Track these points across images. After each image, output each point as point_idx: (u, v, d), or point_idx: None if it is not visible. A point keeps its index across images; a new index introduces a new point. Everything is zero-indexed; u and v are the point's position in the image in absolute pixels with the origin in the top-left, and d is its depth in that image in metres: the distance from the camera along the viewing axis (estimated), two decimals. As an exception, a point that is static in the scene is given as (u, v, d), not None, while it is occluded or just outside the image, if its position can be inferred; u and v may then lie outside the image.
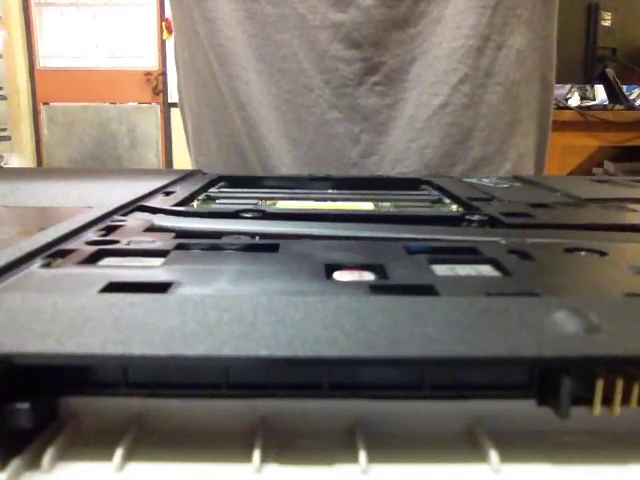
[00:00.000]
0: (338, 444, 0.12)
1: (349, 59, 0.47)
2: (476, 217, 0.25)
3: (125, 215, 0.25)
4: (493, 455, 0.12)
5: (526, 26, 0.49)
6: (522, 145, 0.51)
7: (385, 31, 0.47)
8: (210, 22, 0.49)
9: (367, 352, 0.11)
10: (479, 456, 0.12)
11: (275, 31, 0.47)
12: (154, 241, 0.20)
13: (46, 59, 2.96)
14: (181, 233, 0.22)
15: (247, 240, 0.21)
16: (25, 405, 0.11)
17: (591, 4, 1.30)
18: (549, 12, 0.50)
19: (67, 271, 0.17)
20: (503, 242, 0.21)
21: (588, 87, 1.44)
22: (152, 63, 2.97)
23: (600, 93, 1.45)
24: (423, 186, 0.38)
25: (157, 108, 3.05)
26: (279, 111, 0.49)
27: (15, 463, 0.11)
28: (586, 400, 0.12)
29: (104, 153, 3.04)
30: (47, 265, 0.17)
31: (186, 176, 0.39)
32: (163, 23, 2.87)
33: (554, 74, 0.53)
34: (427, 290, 0.15)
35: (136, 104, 3.04)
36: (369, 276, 0.17)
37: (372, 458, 0.12)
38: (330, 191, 0.37)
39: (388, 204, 0.31)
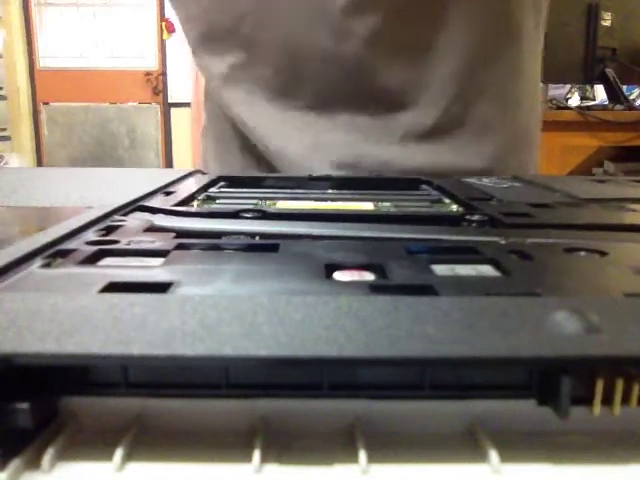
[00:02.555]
0: (338, 444, 0.12)
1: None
2: (476, 217, 0.25)
3: (125, 215, 0.25)
4: (493, 455, 0.12)
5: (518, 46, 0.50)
6: (522, 160, 0.51)
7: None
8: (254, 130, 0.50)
9: (367, 352, 0.11)
10: (479, 456, 0.12)
11: None
12: (154, 241, 0.20)
13: (46, 59, 2.96)
14: (181, 233, 0.22)
15: (247, 240, 0.21)
16: (25, 405, 0.11)
17: (591, 4, 1.30)
18: (540, 27, 0.51)
19: (67, 271, 0.17)
20: (503, 242, 0.21)
21: (588, 87, 1.45)
22: (152, 63, 2.97)
23: (600, 93, 1.45)
24: (423, 186, 0.38)
25: (157, 108, 3.05)
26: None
27: (15, 463, 0.11)
28: (586, 400, 0.12)
29: (104, 153, 3.04)
30: (47, 265, 0.17)
31: (186, 176, 0.39)
32: (163, 23, 2.87)
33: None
34: (427, 290, 0.15)
35: (136, 104, 3.04)
36: (369, 276, 0.17)
37: (372, 458, 0.12)
38: (330, 191, 0.37)
39: (388, 204, 0.31)
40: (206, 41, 0.51)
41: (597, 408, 0.12)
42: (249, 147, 0.52)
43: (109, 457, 0.11)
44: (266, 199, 0.32)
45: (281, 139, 0.49)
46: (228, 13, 0.48)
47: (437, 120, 0.48)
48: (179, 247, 0.19)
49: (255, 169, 0.52)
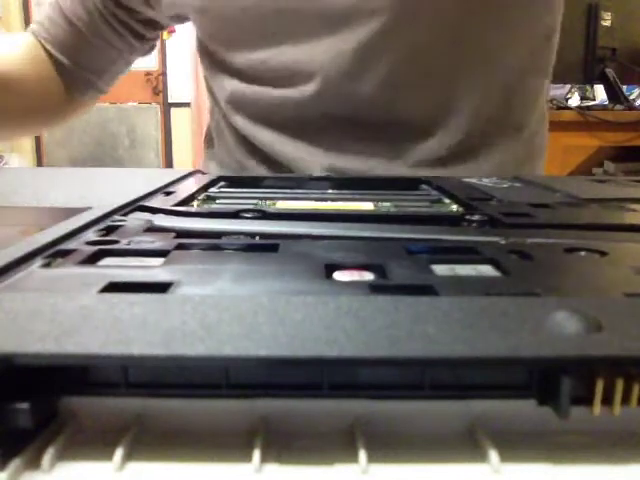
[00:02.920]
0: (338, 444, 0.12)
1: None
2: (476, 217, 0.25)
3: (125, 215, 0.25)
4: (493, 455, 0.12)
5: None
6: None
7: None
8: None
9: (367, 352, 0.11)
10: (479, 456, 0.12)
11: None
12: (154, 241, 0.20)
13: (46, 59, 2.95)
14: (181, 233, 0.22)
15: (247, 240, 0.21)
16: (25, 405, 0.11)
17: (591, 4, 1.30)
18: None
19: (67, 271, 0.17)
20: (503, 242, 0.21)
21: (588, 87, 1.45)
22: (152, 63, 2.96)
23: (600, 93, 1.45)
24: (423, 186, 0.38)
25: (157, 108, 3.05)
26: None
27: (15, 463, 0.11)
28: (586, 400, 0.12)
29: (104, 153, 3.04)
30: (47, 265, 0.17)
31: (186, 176, 0.39)
32: (163, 23, 2.86)
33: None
34: (427, 290, 0.15)
35: (136, 104, 3.04)
36: (369, 276, 0.17)
37: (372, 458, 0.12)
38: (330, 191, 0.37)
39: (388, 204, 0.31)
40: (217, 65, 0.52)
41: (597, 408, 0.12)
42: (254, 152, 0.52)
43: (109, 457, 0.11)
44: (266, 199, 0.32)
45: (288, 154, 0.49)
46: (247, 55, 0.48)
47: (452, 150, 0.48)
48: (179, 247, 0.19)
49: (260, 172, 0.52)
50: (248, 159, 0.52)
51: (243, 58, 0.48)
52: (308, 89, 0.46)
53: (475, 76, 0.47)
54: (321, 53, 0.45)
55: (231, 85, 0.50)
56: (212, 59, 0.52)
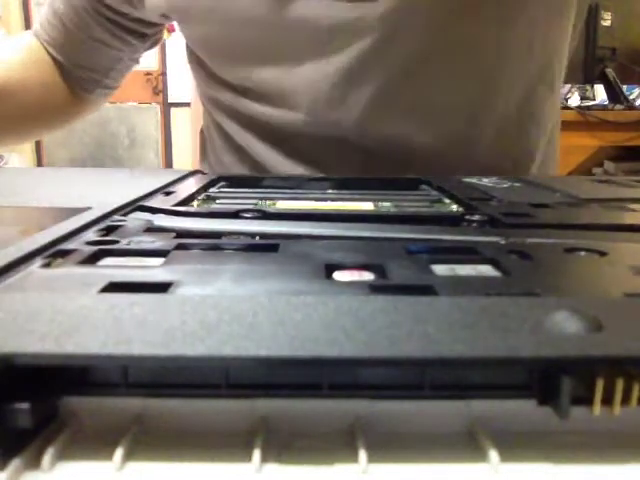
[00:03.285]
0: (338, 444, 0.12)
1: None
2: (476, 217, 0.25)
3: (125, 215, 0.25)
4: (493, 455, 0.12)
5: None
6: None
7: None
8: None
9: (367, 352, 0.11)
10: (479, 456, 0.12)
11: None
12: (154, 241, 0.20)
13: (46, 59, 2.95)
14: (181, 233, 0.22)
15: (247, 240, 0.21)
16: (25, 405, 0.11)
17: (591, 4, 1.30)
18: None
19: (67, 271, 0.17)
20: (503, 242, 0.21)
21: (588, 87, 1.45)
22: (152, 63, 2.96)
23: (600, 93, 1.45)
24: (423, 186, 0.38)
25: (157, 108, 3.05)
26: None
27: (15, 463, 0.11)
28: (586, 400, 0.12)
29: (104, 153, 3.03)
30: (47, 265, 0.17)
31: (186, 176, 0.39)
32: (163, 23, 2.86)
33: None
34: (427, 290, 0.15)
35: (136, 104, 3.04)
36: (369, 276, 0.17)
37: (372, 458, 0.12)
38: (330, 191, 0.37)
39: (388, 204, 0.31)
40: (205, 72, 0.51)
41: (597, 408, 0.12)
42: (244, 160, 0.51)
43: (109, 457, 0.11)
44: (266, 199, 0.32)
45: (275, 166, 0.49)
46: (234, 73, 0.47)
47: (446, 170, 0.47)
48: (179, 247, 0.19)
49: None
50: (236, 165, 0.52)
51: (229, 70, 0.47)
52: (294, 109, 0.45)
53: (474, 97, 0.45)
54: (307, 72, 0.44)
55: (221, 94, 0.50)
56: (200, 65, 0.51)
